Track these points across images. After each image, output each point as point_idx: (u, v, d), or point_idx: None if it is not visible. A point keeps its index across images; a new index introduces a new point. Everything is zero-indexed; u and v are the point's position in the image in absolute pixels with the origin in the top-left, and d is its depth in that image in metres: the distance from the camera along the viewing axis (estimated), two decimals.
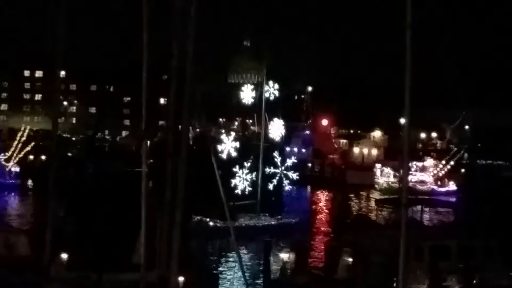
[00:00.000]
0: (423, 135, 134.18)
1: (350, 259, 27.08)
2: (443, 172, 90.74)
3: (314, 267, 30.42)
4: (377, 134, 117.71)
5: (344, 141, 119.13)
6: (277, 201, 58.41)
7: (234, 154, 66.72)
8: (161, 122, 19.24)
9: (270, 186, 57.49)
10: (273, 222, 52.86)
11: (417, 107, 18.73)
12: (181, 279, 20.76)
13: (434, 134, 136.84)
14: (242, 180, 56.13)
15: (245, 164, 58.06)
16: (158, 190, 16.43)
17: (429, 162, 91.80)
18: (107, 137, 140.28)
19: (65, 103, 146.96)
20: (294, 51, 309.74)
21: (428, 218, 49.48)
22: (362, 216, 49.87)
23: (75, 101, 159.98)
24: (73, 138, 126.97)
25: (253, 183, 55.86)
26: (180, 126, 15.64)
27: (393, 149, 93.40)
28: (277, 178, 59.69)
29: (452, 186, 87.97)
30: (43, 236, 20.74)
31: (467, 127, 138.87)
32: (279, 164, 59.95)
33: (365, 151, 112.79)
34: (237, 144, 72.97)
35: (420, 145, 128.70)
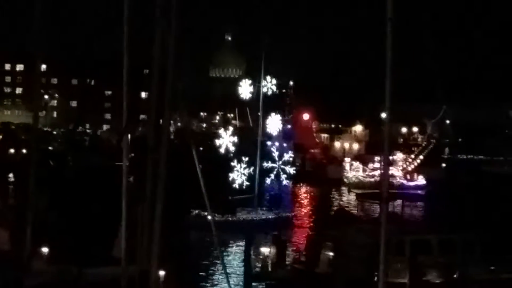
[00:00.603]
0: (404, 130, 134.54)
1: (331, 254, 27.16)
2: (412, 166, 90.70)
3: (295, 261, 30.49)
4: (358, 128, 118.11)
5: (325, 135, 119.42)
6: (274, 195, 58.86)
7: (232, 148, 67.24)
8: (142, 116, 19.22)
9: (268, 181, 57.89)
10: (271, 216, 53.00)
11: (398, 101, 18.77)
12: (161, 273, 20.78)
13: (415, 129, 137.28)
14: (240, 175, 56.55)
15: (243, 158, 58.50)
16: (139, 184, 16.40)
17: (398, 156, 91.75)
18: (88, 131, 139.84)
19: (46, 96, 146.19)
20: (276, 45, 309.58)
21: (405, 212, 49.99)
22: (343, 210, 49.94)
23: (56, 95, 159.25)
24: (54, 132, 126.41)
25: (250, 177, 56.35)
26: (161, 121, 15.63)
27: (374, 144, 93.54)
28: (274, 172, 60.12)
29: (421, 180, 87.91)
30: (24, 230, 20.67)
31: (448, 121, 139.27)
32: (276, 158, 60.43)
33: (346, 145, 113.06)
34: (235, 138, 73.63)
35: (401, 140, 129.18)
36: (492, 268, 26.86)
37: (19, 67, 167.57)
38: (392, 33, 18.89)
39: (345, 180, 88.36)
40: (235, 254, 38.70)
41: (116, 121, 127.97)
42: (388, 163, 21.45)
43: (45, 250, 25.38)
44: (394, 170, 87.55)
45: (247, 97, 69.65)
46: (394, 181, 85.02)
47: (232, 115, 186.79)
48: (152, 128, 15.86)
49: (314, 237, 30.94)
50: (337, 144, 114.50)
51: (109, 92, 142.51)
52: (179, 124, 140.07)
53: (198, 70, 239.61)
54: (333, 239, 27.38)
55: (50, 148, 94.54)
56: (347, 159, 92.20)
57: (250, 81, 68.28)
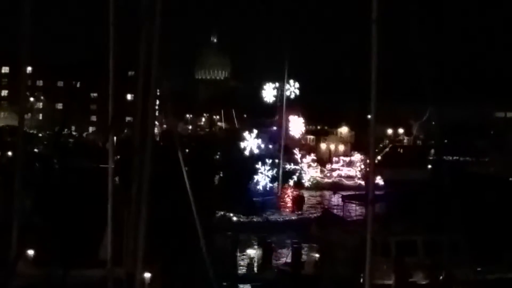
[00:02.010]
0: (390, 131, 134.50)
1: (317, 255, 27.19)
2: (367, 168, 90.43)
3: (281, 263, 30.51)
4: (344, 130, 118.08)
5: (311, 137, 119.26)
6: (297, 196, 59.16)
7: (256, 151, 67.86)
8: (128, 118, 19.25)
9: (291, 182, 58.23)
10: (293, 217, 53.07)
11: (383, 102, 18.84)
12: (147, 275, 20.76)
13: (401, 130, 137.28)
14: (264, 176, 57.03)
15: (267, 160, 59.18)
16: (124, 186, 16.38)
17: (356, 157, 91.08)
18: (74, 133, 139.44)
19: (31, 99, 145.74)
20: (262, 47, 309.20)
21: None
22: (329, 212, 50.00)
23: (42, 97, 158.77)
24: (40, 134, 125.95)
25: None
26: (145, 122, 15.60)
27: (359, 145, 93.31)
28: (297, 174, 60.30)
29: (379, 180, 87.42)
30: (9, 233, 20.59)
31: (434, 123, 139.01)
32: (299, 160, 60.97)
33: (332, 147, 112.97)
34: (260, 141, 73.88)
35: (387, 141, 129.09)
36: (479, 269, 26.91)
37: (5, 69, 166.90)
38: (377, 34, 19.00)
39: (302, 181, 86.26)
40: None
41: (101, 123, 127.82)
42: (373, 165, 21.56)
43: (30, 252, 25.29)
44: (352, 171, 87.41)
45: (271, 101, 69.98)
46: (351, 182, 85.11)
47: (218, 116, 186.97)
48: (137, 130, 15.84)
49: (299, 239, 30.87)
50: (323, 146, 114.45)
51: (95, 94, 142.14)
52: (164, 126, 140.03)
53: (183, 72, 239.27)
54: (319, 240, 27.42)
55: (35, 150, 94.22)
56: (305, 160, 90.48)
57: (273, 85, 68.47)
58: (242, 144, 63.61)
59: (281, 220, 51.57)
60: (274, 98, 68.21)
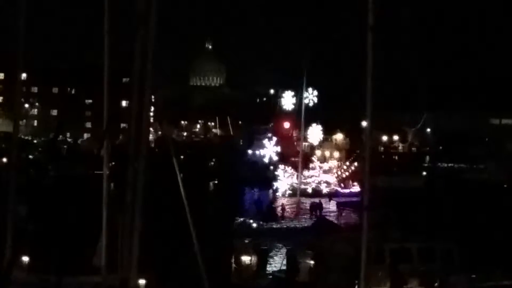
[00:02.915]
0: (384, 138, 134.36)
1: (312, 262, 27.13)
2: (346, 173, 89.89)
3: (275, 270, 30.43)
4: (338, 137, 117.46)
5: (306, 144, 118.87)
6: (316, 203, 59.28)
7: (275, 158, 67.82)
8: (123, 125, 19.25)
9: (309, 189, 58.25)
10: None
11: (379, 110, 18.88)
12: (142, 282, 20.73)
13: (396, 137, 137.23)
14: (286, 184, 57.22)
15: (286, 168, 59.69)
16: (119, 193, 16.34)
17: (333, 163, 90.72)
18: (69, 139, 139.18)
19: (26, 105, 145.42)
20: (256, 53, 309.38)
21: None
22: (323, 219, 50.02)
23: (37, 104, 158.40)
24: (35, 141, 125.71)
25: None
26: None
27: (354, 152, 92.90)
28: (315, 181, 60.07)
29: (355, 187, 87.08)
30: (4, 239, 20.57)
31: (428, 130, 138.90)
32: (317, 167, 61.22)
33: (327, 153, 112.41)
34: (278, 148, 73.87)
35: (382, 148, 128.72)
36: (473, 276, 26.90)
37: None
38: (373, 41, 19.04)
39: (279, 187, 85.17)
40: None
41: (96, 129, 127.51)
42: (369, 172, 21.56)
43: (25, 259, 25.23)
44: (328, 177, 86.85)
45: (290, 109, 70.14)
46: (328, 188, 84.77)
47: (212, 123, 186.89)
48: (132, 137, 15.80)
49: (294, 246, 30.77)
50: (318, 153, 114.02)
51: (90, 101, 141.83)
52: (159, 132, 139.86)
53: (178, 79, 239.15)
54: (313, 247, 27.36)
55: (30, 157, 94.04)
56: (281, 166, 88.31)
57: (292, 93, 68.57)
58: (262, 152, 64.03)
59: (299, 227, 51.45)
60: (293, 106, 68.38)
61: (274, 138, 76.82)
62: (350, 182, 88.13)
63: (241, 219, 50.66)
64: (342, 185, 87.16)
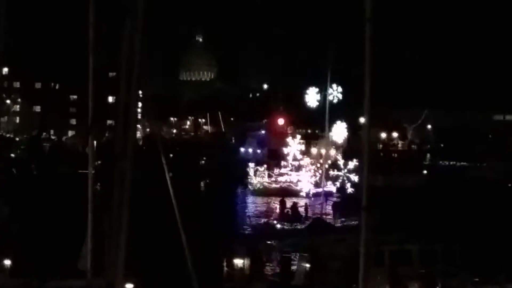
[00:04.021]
0: (383, 135, 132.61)
1: (308, 265, 26.41)
2: (320, 172, 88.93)
3: (270, 274, 29.76)
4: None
5: (301, 141, 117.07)
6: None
7: (299, 156, 67.11)
8: (109, 122, 18.43)
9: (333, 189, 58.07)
10: (338, 225, 52.15)
11: (377, 106, 18.06)
12: (129, 286, 19.94)
13: (395, 134, 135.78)
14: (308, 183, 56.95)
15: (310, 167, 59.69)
16: (105, 192, 15.53)
17: (306, 161, 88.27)
18: (53, 137, 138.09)
19: (8, 101, 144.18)
20: (248, 47, 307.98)
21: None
22: (320, 220, 49.25)
23: (19, 100, 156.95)
24: (17, 138, 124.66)
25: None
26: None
27: (352, 149, 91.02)
28: (340, 180, 59.58)
29: (329, 186, 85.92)
30: None
31: (429, 126, 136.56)
32: (341, 166, 60.98)
33: (323, 151, 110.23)
34: (303, 146, 73.46)
35: (381, 146, 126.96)
36: (476, 279, 26.26)
37: None
38: (371, 35, 18.21)
39: (249, 186, 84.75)
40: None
41: (81, 126, 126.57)
42: (368, 170, 20.74)
43: (7, 262, 24.54)
44: (301, 176, 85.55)
45: (314, 105, 69.63)
46: (301, 187, 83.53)
47: (203, 120, 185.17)
48: (119, 134, 15.04)
49: (289, 248, 30.00)
50: (313, 150, 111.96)
51: (75, 97, 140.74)
52: (147, 130, 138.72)
53: (167, 73, 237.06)
54: (309, 249, 26.62)
55: (12, 155, 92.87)
56: (251, 165, 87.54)
57: (317, 89, 67.89)
58: (285, 150, 63.47)
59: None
60: (317, 103, 67.74)
61: (298, 136, 75.76)
62: (324, 180, 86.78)
63: (265, 219, 50.57)
64: (315, 183, 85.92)
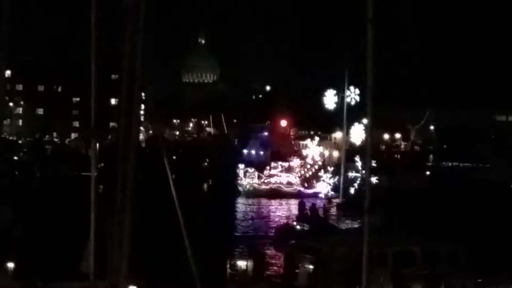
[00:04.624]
0: (386, 136, 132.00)
1: (311, 267, 26.34)
2: (309, 173, 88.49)
3: (273, 275, 29.73)
4: (338, 135, 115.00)
5: (304, 142, 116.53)
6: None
7: (318, 159, 67.03)
8: (112, 124, 18.44)
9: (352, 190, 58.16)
10: (356, 226, 52.09)
11: (380, 107, 18.10)
12: None
13: (398, 135, 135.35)
14: (326, 185, 57.10)
15: (329, 168, 59.78)
16: (108, 195, 15.54)
17: (296, 162, 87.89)
18: (56, 139, 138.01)
19: (10, 104, 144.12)
20: (251, 49, 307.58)
21: None
22: (322, 221, 49.20)
23: (22, 102, 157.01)
24: (19, 141, 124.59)
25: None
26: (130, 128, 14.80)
27: (355, 151, 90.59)
28: (358, 182, 59.54)
29: (319, 187, 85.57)
30: None
31: (432, 127, 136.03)
32: (359, 168, 61.03)
33: (326, 153, 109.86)
34: (321, 149, 73.21)
35: (384, 147, 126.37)
36: (479, 280, 26.18)
37: None
38: (373, 35, 18.22)
39: (239, 188, 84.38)
40: None
41: (84, 129, 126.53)
42: (370, 172, 20.76)
43: (10, 265, 24.48)
44: (291, 177, 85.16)
45: (332, 108, 69.71)
46: (291, 188, 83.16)
47: (206, 122, 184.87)
48: (122, 136, 15.07)
49: (292, 249, 29.92)
50: (316, 151, 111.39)
51: (77, 99, 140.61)
52: (150, 132, 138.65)
53: (170, 75, 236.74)
54: (312, 251, 26.54)
55: (15, 158, 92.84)
56: (241, 166, 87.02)
57: (334, 91, 67.95)
58: (304, 152, 64.06)
59: (343, 228, 50.55)
60: (335, 105, 67.75)
61: (317, 138, 75.87)
62: (314, 181, 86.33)
63: (284, 221, 50.34)
64: (305, 184, 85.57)
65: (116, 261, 14.74)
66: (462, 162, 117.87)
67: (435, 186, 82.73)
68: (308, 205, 53.88)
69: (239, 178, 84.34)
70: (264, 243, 44.59)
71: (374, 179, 59.71)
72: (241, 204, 74.50)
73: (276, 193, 79.58)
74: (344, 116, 63.19)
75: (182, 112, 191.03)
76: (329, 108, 69.68)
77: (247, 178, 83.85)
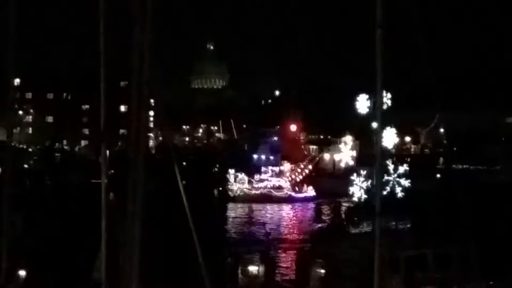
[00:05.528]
0: (396, 139, 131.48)
1: (322, 271, 26.25)
2: (300, 177, 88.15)
3: (284, 280, 29.65)
4: (348, 139, 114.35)
5: (314, 147, 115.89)
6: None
7: (351, 162, 67.05)
8: (122, 131, 18.38)
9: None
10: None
11: (390, 110, 18.02)
12: None
13: (408, 138, 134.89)
14: (359, 188, 57.39)
15: (361, 172, 60.03)
16: (120, 202, 15.49)
17: (286, 167, 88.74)
18: (66, 147, 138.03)
19: (20, 112, 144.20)
20: (261, 54, 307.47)
21: None
22: (333, 225, 49.17)
23: (31, 110, 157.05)
24: (30, 149, 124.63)
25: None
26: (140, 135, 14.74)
27: (365, 155, 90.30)
28: (390, 185, 59.86)
29: (310, 191, 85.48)
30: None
31: (442, 130, 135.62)
32: (391, 171, 61.32)
33: (336, 157, 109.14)
34: (354, 152, 73.25)
35: (393, 150, 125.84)
36: (491, 283, 26.04)
37: None
38: (382, 40, 18.12)
39: (230, 193, 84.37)
40: None
41: (94, 136, 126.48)
42: (380, 176, 20.66)
43: (22, 273, 24.50)
44: (282, 181, 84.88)
45: (365, 112, 69.82)
46: (282, 193, 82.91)
47: (215, 127, 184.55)
48: (131, 143, 15.02)
49: (304, 254, 29.88)
50: (326, 156, 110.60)
51: (87, 106, 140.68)
52: (160, 138, 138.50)
53: (179, 81, 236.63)
54: (324, 255, 26.46)
55: (25, 166, 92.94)
56: (231, 171, 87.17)
57: (367, 96, 67.95)
58: (337, 156, 64.40)
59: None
60: (368, 110, 67.74)
61: (350, 143, 75.33)
62: (305, 185, 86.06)
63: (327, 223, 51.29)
64: (296, 189, 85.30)
65: (127, 269, 14.71)
66: (473, 164, 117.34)
67: (446, 188, 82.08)
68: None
69: (229, 183, 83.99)
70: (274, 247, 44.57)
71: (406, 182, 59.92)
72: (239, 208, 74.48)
73: (267, 198, 79.49)
74: (378, 121, 63.12)
75: (192, 118, 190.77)
76: (362, 112, 69.76)
77: (237, 183, 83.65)
